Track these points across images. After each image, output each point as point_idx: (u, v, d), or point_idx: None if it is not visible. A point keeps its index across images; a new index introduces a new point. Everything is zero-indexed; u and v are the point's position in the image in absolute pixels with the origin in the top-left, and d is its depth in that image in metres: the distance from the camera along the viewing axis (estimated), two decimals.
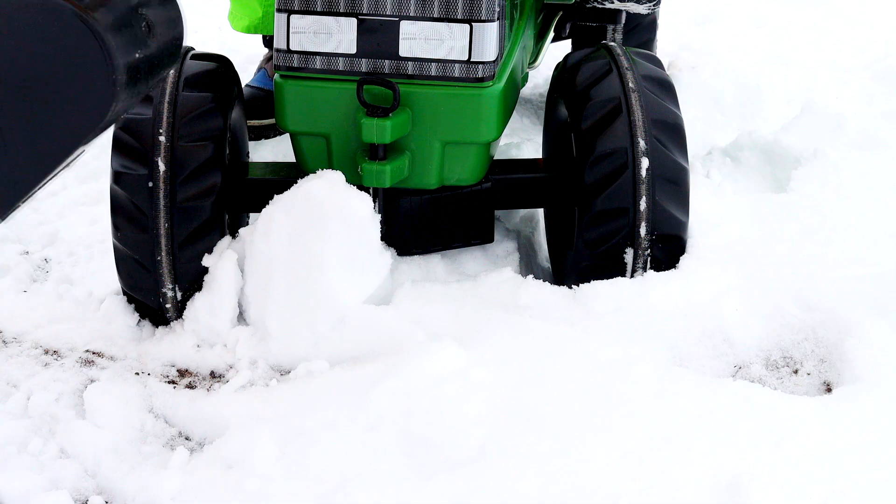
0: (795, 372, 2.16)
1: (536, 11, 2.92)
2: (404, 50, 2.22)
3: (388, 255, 2.30)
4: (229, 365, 2.21)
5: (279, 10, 2.24)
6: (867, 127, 3.18)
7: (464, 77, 2.23)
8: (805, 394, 2.11)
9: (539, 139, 2.97)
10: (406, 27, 2.20)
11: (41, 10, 1.32)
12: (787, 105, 3.48)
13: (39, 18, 1.32)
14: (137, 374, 2.21)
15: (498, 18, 2.22)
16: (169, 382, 2.19)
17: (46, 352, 2.29)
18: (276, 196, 2.26)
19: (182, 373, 2.21)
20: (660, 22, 3.71)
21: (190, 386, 2.18)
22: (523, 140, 3.19)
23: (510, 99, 2.42)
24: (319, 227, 2.20)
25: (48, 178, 1.42)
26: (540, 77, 3.79)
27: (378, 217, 2.25)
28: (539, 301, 2.26)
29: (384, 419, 2.02)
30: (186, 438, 2.06)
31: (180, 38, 1.55)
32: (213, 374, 2.20)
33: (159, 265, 2.24)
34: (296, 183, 2.27)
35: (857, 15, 4.73)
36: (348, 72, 2.25)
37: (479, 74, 2.23)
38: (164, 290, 2.26)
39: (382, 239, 2.28)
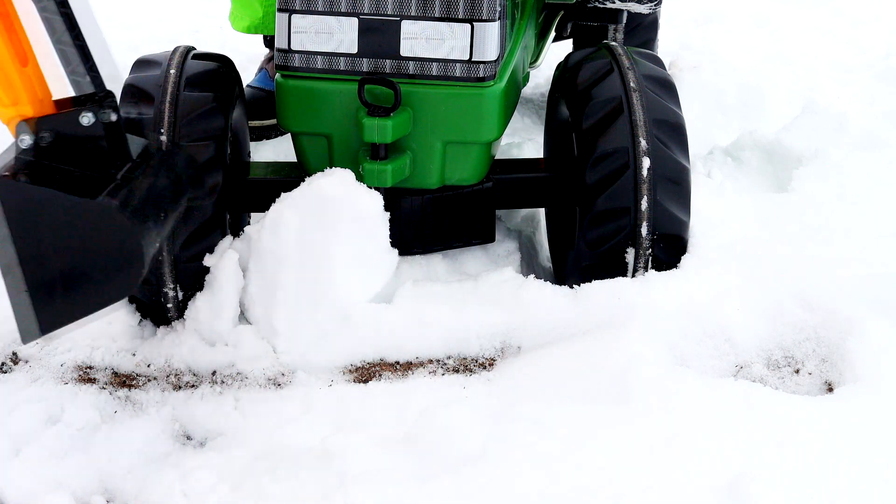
0: (797, 372, 2.16)
1: (537, 11, 2.92)
2: (405, 49, 2.22)
3: (395, 253, 2.30)
4: (231, 364, 2.21)
5: (280, 10, 2.24)
6: (869, 127, 3.18)
7: (465, 77, 2.23)
8: (806, 393, 2.10)
9: (540, 139, 2.97)
10: (407, 27, 2.20)
11: (90, 208, 1.80)
12: (788, 105, 3.48)
13: (87, 213, 1.80)
14: (138, 374, 2.21)
15: (499, 18, 2.22)
16: (170, 382, 2.19)
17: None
18: (283, 194, 2.26)
19: (183, 372, 2.22)
20: (661, 21, 3.71)
21: (191, 385, 2.18)
22: (524, 140, 3.20)
23: (511, 98, 2.42)
24: (330, 225, 2.20)
25: (65, 326, 1.90)
26: (541, 77, 3.79)
27: (387, 215, 2.25)
28: (540, 301, 2.26)
29: (385, 419, 2.03)
30: (188, 438, 2.06)
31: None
32: (214, 374, 2.20)
33: (160, 265, 2.23)
34: (300, 182, 2.27)
35: (860, 15, 4.73)
36: (349, 71, 2.25)
37: (481, 74, 2.23)
38: (165, 289, 2.26)
39: None
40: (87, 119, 1.87)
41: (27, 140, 1.87)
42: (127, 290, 1.91)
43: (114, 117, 1.89)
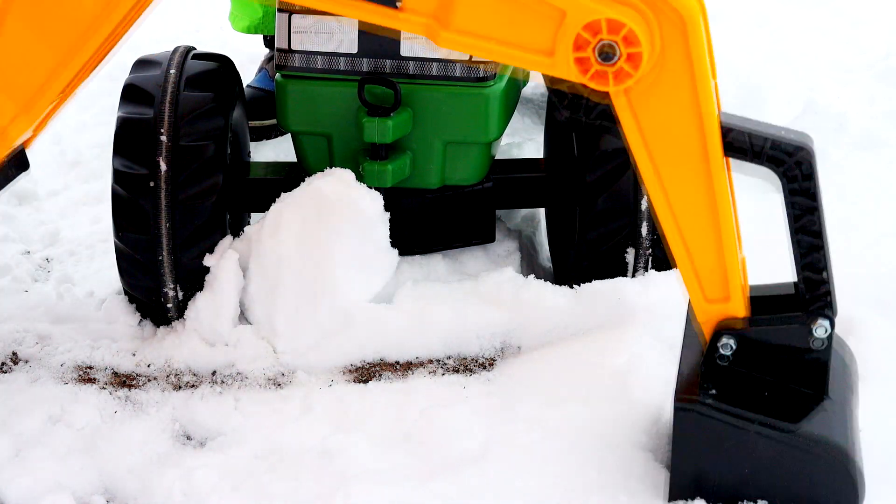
0: None
1: None
2: (406, 49, 2.22)
3: (395, 253, 2.30)
4: (231, 364, 2.21)
5: (280, 10, 2.24)
6: (869, 127, 3.18)
7: (465, 77, 2.23)
8: None
9: (540, 139, 2.97)
10: None
11: (821, 456, 1.56)
12: (788, 105, 3.47)
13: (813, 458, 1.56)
14: (138, 374, 2.21)
15: None
16: (170, 382, 2.19)
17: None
18: (283, 194, 2.26)
19: (183, 372, 2.22)
20: None
21: (191, 386, 2.18)
22: (524, 140, 3.19)
23: (511, 98, 2.42)
24: (330, 225, 2.20)
25: None
26: (541, 76, 3.78)
27: (387, 215, 2.25)
28: (540, 301, 2.26)
29: (385, 419, 2.03)
30: (188, 438, 2.06)
31: None
32: (214, 374, 2.21)
33: (161, 265, 2.24)
34: (301, 182, 2.27)
35: (860, 14, 4.73)
36: (350, 71, 2.25)
37: (481, 74, 2.23)
38: (165, 289, 2.26)
39: None
40: (822, 330, 1.56)
41: (731, 345, 1.57)
42: None
43: (829, 329, 1.58)
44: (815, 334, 1.56)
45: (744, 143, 1.51)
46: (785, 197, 1.55)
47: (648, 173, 1.52)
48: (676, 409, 1.59)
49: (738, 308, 1.56)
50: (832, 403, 1.62)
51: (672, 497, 1.64)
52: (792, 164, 1.52)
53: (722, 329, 1.58)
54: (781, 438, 1.56)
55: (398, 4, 1.44)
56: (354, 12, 1.50)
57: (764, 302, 1.62)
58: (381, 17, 1.47)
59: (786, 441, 1.56)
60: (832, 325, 1.57)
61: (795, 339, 1.57)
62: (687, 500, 1.64)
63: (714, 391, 1.58)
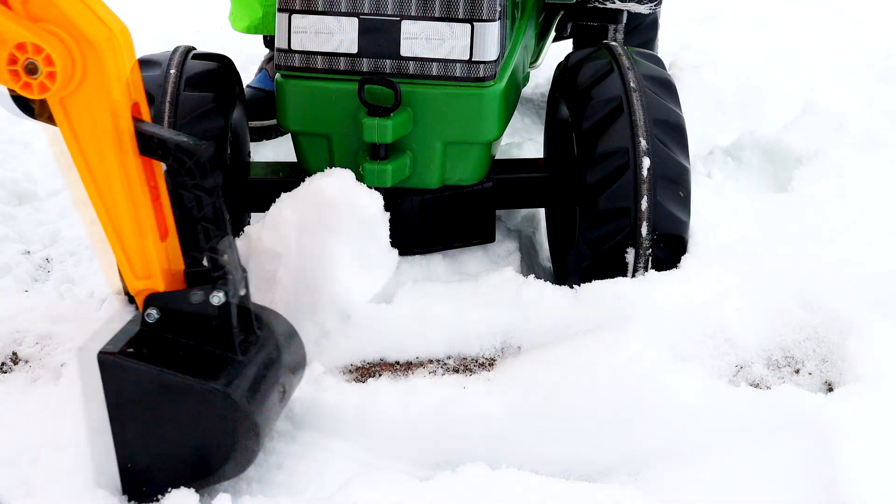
0: (797, 372, 2.16)
1: (538, 11, 2.92)
2: (406, 49, 2.22)
3: (395, 253, 2.30)
4: None
5: (280, 10, 2.24)
6: (869, 126, 3.18)
7: (465, 77, 2.23)
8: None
9: (540, 139, 2.97)
10: (407, 27, 2.20)
11: (203, 393, 1.81)
12: (788, 105, 3.48)
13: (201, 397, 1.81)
14: None
15: (499, 18, 2.22)
16: None
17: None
18: (283, 194, 2.26)
19: None
20: (661, 21, 3.71)
21: None
22: (525, 140, 3.20)
23: (511, 98, 2.42)
24: (330, 225, 2.20)
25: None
26: (541, 76, 3.79)
27: (387, 215, 2.25)
28: (540, 301, 2.26)
29: (385, 419, 2.03)
30: None
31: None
32: None
33: None
34: (300, 182, 2.27)
35: (860, 15, 4.73)
36: (350, 71, 2.25)
37: (481, 74, 2.23)
38: None
39: None
40: (217, 300, 1.83)
41: (154, 315, 1.85)
42: (226, 475, 1.86)
43: (223, 299, 1.84)
44: (212, 303, 1.83)
45: (154, 145, 1.79)
46: (188, 191, 1.81)
47: (83, 170, 1.82)
48: (100, 362, 1.84)
49: (158, 284, 1.85)
50: (242, 364, 1.87)
51: (119, 453, 1.88)
52: (192, 164, 1.79)
53: (148, 301, 1.86)
54: (189, 391, 1.81)
55: None
56: None
57: (196, 279, 1.91)
58: None
59: (191, 393, 1.81)
60: (227, 295, 1.84)
61: (201, 309, 1.85)
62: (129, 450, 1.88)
63: (135, 350, 1.85)
